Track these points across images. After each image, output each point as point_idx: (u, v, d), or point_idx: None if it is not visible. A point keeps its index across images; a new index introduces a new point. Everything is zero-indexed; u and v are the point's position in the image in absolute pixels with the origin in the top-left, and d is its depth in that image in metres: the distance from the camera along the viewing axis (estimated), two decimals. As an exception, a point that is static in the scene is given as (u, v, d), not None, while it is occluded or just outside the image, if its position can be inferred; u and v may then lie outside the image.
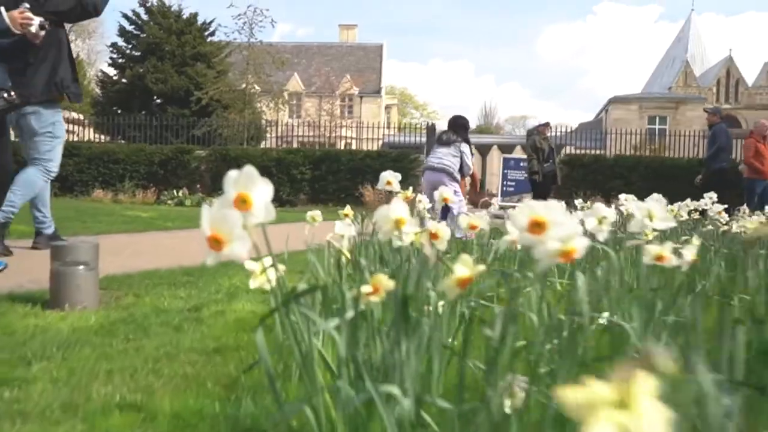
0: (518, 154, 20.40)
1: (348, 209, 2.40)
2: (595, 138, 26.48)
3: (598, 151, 19.33)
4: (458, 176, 6.89)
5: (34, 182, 4.36)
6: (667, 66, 60.09)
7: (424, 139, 17.23)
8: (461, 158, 6.91)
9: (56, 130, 4.39)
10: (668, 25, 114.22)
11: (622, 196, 3.78)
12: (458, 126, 7.22)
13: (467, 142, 7.07)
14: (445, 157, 6.87)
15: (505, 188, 11.11)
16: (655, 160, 16.62)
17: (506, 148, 28.19)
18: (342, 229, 1.84)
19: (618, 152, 18.11)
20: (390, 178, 2.19)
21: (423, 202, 3.06)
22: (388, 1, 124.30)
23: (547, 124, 10.44)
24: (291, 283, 2.94)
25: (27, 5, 3.95)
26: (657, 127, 31.71)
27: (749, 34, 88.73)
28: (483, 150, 31.46)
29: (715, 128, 9.25)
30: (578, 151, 17.48)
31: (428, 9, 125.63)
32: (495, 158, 29.88)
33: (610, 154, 17.80)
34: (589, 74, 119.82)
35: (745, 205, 6.68)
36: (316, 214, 2.21)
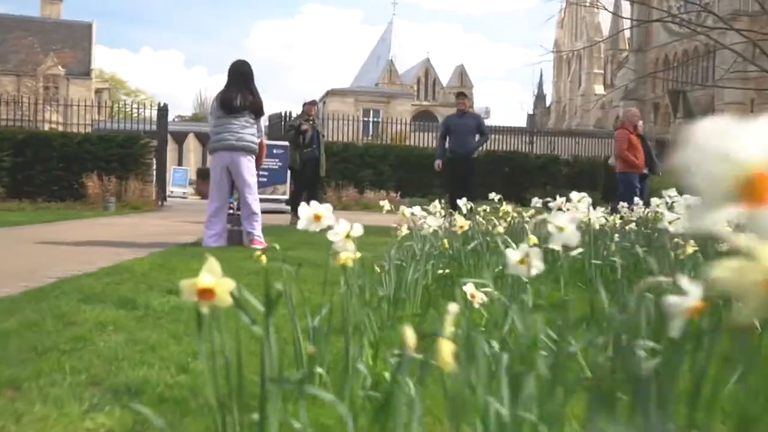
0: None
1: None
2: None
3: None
4: (256, 150, 5.63)
5: None
6: (373, 63, 65.33)
7: (139, 126, 16.24)
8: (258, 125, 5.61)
9: None
10: (370, 28, 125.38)
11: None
12: (248, 77, 5.57)
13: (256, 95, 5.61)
14: (243, 130, 5.44)
15: (257, 178, 10.85)
16: (404, 149, 17.23)
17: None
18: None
19: (336, 140, 18.96)
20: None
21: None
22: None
23: (313, 102, 9.02)
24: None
25: None
26: (371, 119, 34.16)
27: (441, 40, 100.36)
28: (204, 139, 30.94)
29: (478, 116, 9.07)
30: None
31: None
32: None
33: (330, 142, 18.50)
34: (298, 68, 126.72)
35: (621, 200, 6.11)
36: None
